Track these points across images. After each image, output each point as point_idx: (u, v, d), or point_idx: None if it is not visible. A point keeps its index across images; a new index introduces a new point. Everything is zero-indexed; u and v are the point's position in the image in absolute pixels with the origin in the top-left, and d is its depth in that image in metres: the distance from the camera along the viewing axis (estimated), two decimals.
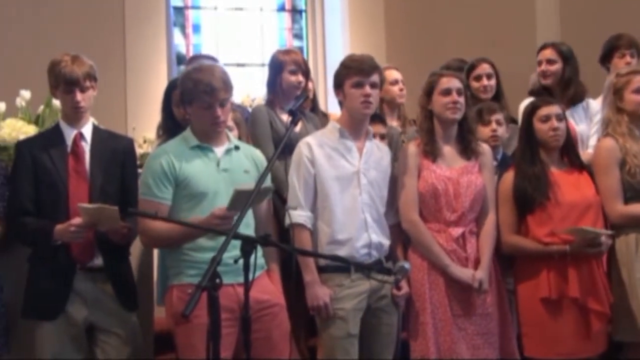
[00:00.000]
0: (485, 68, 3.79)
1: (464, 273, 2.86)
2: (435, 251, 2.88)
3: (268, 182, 2.80)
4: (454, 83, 2.94)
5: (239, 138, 3.04)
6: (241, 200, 2.35)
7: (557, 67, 3.77)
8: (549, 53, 3.79)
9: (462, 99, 2.93)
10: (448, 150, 2.99)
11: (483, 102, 3.70)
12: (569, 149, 3.10)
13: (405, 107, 4.04)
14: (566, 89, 3.75)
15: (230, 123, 3.08)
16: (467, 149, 2.99)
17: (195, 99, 2.60)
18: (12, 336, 2.79)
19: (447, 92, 2.92)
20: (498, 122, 3.36)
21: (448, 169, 2.95)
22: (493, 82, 3.79)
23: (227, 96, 2.62)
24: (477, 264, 2.90)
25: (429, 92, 2.97)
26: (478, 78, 3.78)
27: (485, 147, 3.07)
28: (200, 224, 2.49)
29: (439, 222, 2.92)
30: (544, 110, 3.04)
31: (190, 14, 6.43)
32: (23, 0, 5.21)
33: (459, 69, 3.76)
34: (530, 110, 3.08)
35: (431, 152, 2.95)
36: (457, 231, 2.91)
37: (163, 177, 2.60)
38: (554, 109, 3.05)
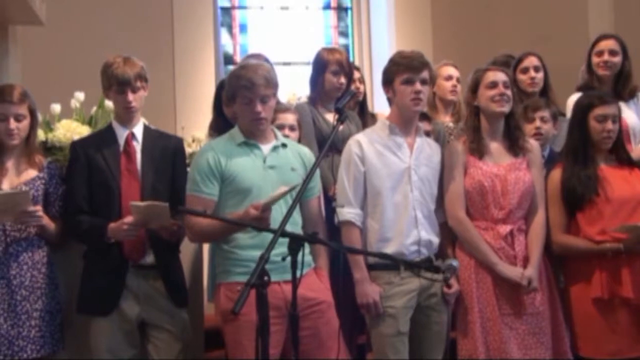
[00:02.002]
0: (532, 61, 3.73)
1: (512, 271, 2.82)
2: (482, 249, 2.84)
3: (316, 180, 2.81)
4: (500, 76, 2.90)
5: (299, 139, 3.05)
6: (272, 203, 2.41)
7: (618, 59, 3.68)
8: (612, 44, 3.69)
9: (508, 92, 2.89)
10: (495, 146, 2.94)
11: (530, 95, 3.64)
12: (617, 147, 3.02)
13: (461, 104, 4.00)
14: (626, 84, 3.67)
15: (294, 123, 3.09)
16: (514, 145, 2.94)
17: (237, 95, 2.64)
18: (66, 332, 2.87)
19: (493, 85, 2.89)
20: (543, 120, 3.29)
21: (495, 166, 2.91)
22: (540, 75, 3.72)
23: (267, 92, 2.63)
24: (525, 262, 2.85)
25: (474, 88, 2.94)
26: (525, 70, 3.72)
27: (533, 144, 3.02)
28: (239, 220, 2.49)
29: (486, 220, 2.88)
30: (601, 110, 2.96)
31: (237, 14, 6.49)
32: (74, 5, 5.35)
33: (506, 64, 3.71)
34: (586, 107, 3.00)
35: (477, 149, 2.91)
36: (505, 229, 2.86)
37: (209, 173, 2.63)
38: (611, 110, 2.97)
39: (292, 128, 3.08)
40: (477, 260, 2.86)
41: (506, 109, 2.90)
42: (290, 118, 3.11)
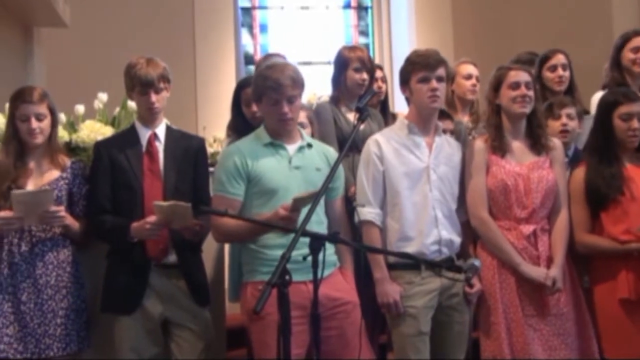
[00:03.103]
0: (560, 58, 3.69)
1: (536, 272, 2.79)
2: (505, 249, 2.82)
3: (341, 180, 2.82)
4: (523, 76, 2.88)
5: (312, 136, 3.06)
6: (301, 204, 2.40)
7: None
8: None
9: (531, 93, 2.87)
10: (517, 145, 2.92)
11: (556, 94, 3.61)
12: None
13: (479, 103, 3.97)
14: None
15: (305, 120, 3.10)
16: (536, 143, 2.91)
17: (263, 95, 2.65)
18: (92, 330, 2.90)
19: (515, 85, 2.86)
20: (569, 116, 3.25)
21: (518, 165, 2.88)
22: (568, 73, 3.69)
23: (294, 93, 2.64)
24: (549, 262, 2.82)
25: (496, 86, 2.91)
26: (553, 68, 3.68)
27: (556, 142, 2.98)
28: (265, 220, 2.51)
29: (509, 220, 2.86)
30: (626, 108, 2.92)
31: (258, 14, 6.52)
32: (97, 7, 5.42)
33: (530, 62, 3.68)
34: (611, 105, 2.96)
35: (499, 147, 2.89)
36: (528, 228, 2.84)
37: (235, 173, 2.64)
38: (637, 108, 2.92)
39: (302, 125, 3.09)
40: (499, 260, 2.84)
41: (527, 110, 2.88)
42: (301, 115, 3.13)
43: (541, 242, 2.84)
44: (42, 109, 2.81)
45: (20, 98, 2.81)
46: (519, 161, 2.90)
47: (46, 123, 2.82)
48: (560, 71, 3.66)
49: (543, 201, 2.86)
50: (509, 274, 2.82)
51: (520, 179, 2.86)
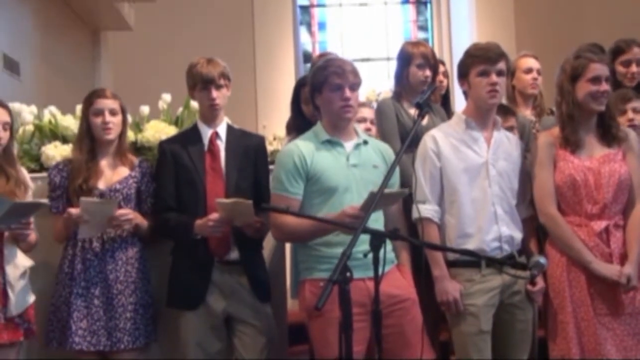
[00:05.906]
0: (636, 53, 3.52)
1: (608, 269, 2.68)
2: (576, 247, 2.72)
3: (396, 177, 2.80)
4: (604, 70, 2.74)
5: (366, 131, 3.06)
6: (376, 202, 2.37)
7: None
8: None
9: (609, 87, 2.74)
10: (587, 138, 2.80)
11: (625, 88, 3.46)
12: None
13: (543, 97, 3.86)
14: None
15: (368, 114, 3.09)
16: (607, 135, 2.79)
17: (325, 83, 2.64)
18: (159, 324, 2.97)
19: (596, 79, 2.72)
20: (635, 110, 3.10)
21: (587, 159, 2.77)
22: None
23: (356, 80, 2.65)
24: (622, 259, 2.70)
25: (574, 76, 2.75)
26: (627, 63, 3.52)
27: (629, 132, 2.85)
28: (329, 219, 2.51)
29: (579, 216, 2.75)
30: None
31: (316, 12, 6.55)
32: (160, 11, 5.55)
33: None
34: None
35: (571, 141, 2.77)
36: (599, 225, 2.72)
37: (295, 172, 2.65)
38: None
39: (372, 122, 3.09)
40: (569, 258, 2.74)
41: (604, 107, 2.76)
42: (370, 112, 3.13)
43: (614, 239, 2.73)
44: (115, 105, 2.92)
45: (95, 94, 2.94)
46: (589, 155, 2.78)
47: (118, 119, 2.92)
48: (634, 67, 3.50)
49: (615, 196, 2.74)
50: (579, 271, 2.72)
51: (590, 173, 2.75)
